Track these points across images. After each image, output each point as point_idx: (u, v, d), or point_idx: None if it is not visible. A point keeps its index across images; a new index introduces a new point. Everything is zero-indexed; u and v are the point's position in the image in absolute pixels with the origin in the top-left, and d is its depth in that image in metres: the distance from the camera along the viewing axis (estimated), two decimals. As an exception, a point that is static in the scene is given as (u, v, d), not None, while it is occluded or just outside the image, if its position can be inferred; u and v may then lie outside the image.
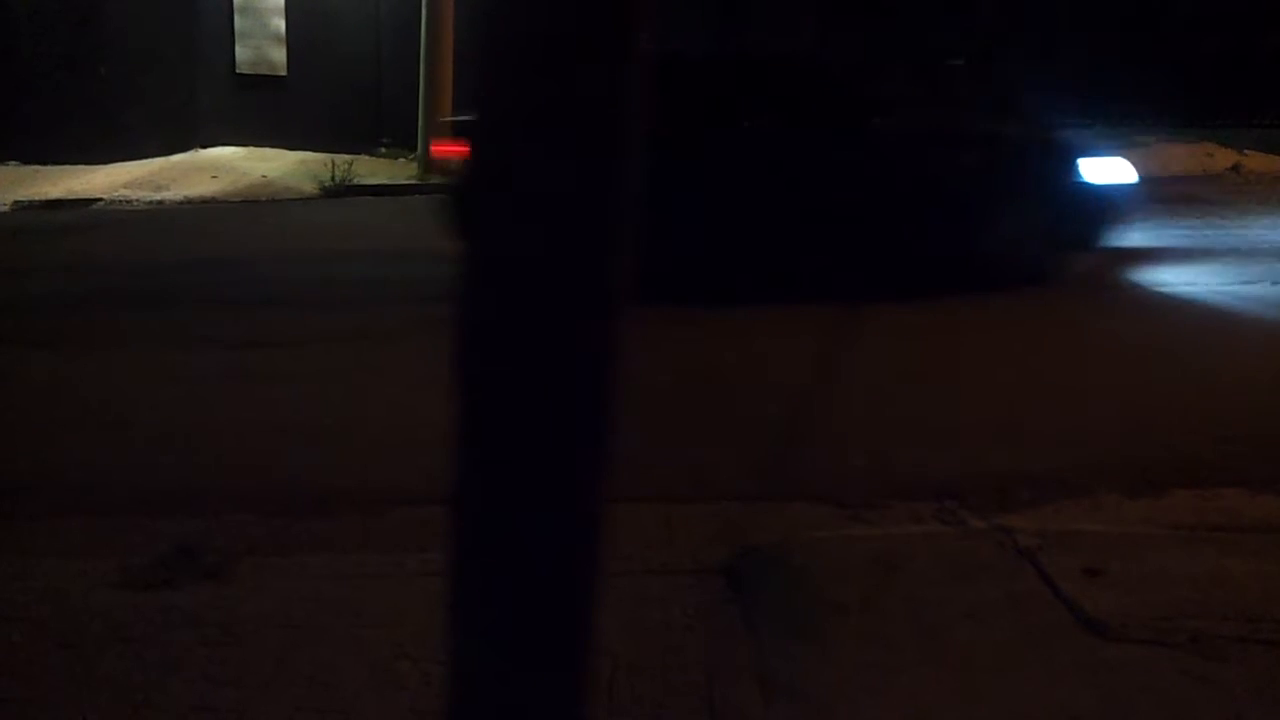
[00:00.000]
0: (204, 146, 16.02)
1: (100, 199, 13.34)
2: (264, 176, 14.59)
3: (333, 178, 13.99)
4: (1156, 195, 11.32)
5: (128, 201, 13.33)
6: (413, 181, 14.49)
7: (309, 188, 14.02)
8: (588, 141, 1.27)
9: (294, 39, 16.89)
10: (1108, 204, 7.46)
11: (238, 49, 16.70)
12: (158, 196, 13.51)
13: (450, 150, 7.38)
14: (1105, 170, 7.51)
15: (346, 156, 14.68)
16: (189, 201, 13.36)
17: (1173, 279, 7.44)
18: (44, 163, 15.07)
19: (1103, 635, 2.67)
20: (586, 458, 1.34)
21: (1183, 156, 14.37)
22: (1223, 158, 14.24)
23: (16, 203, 13.12)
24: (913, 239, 7.21)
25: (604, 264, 1.30)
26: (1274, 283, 7.17)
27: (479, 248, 1.31)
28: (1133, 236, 8.37)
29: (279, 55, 16.93)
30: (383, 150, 16.57)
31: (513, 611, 1.36)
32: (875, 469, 4.05)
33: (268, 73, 16.86)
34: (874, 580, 2.98)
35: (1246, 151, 14.31)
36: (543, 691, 1.37)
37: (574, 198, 1.27)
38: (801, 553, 3.20)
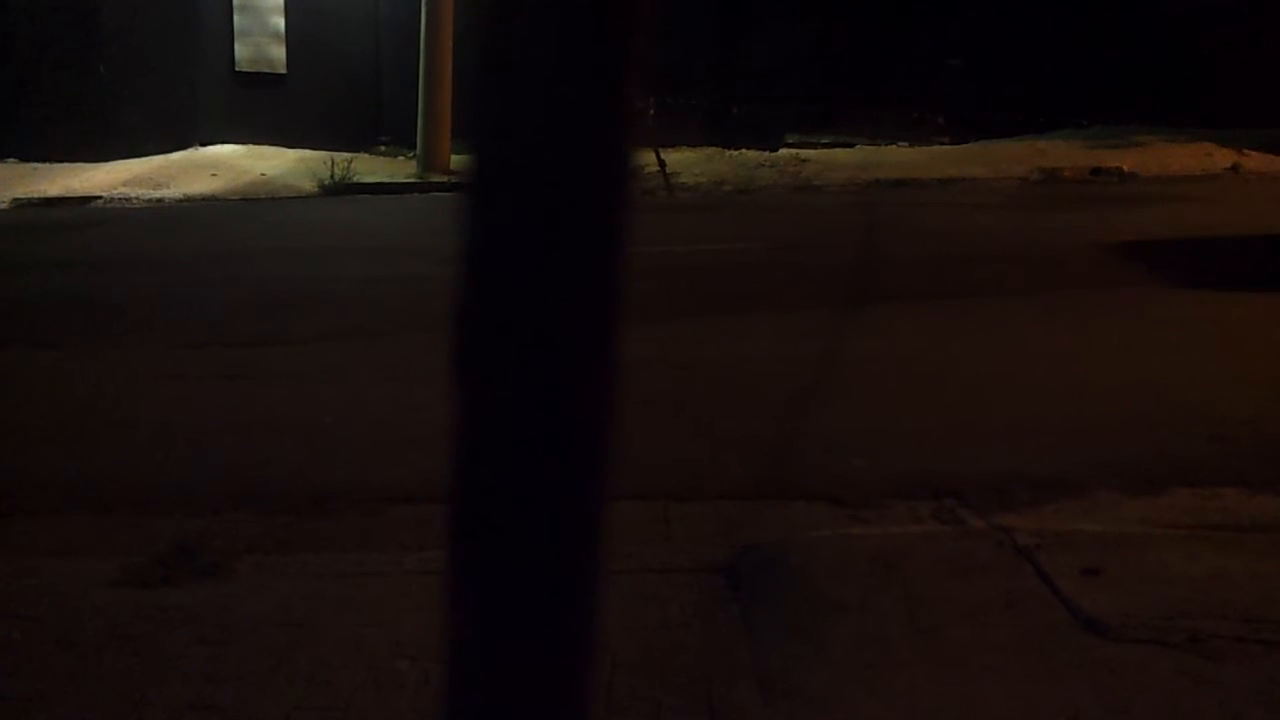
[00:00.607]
0: (203, 144, 16.01)
1: (99, 197, 13.33)
2: (263, 174, 14.59)
3: (332, 176, 13.99)
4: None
5: (127, 199, 13.33)
6: (412, 180, 14.49)
7: (308, 186, 14.02)
8: (591, 139, 1.27)
9: (293, 37, 16.88)
10: None
11: (237, 47, 16.70)
12: (157, 194, 13.50)
13: None
14: None
15: (346, 154, 14.67)
16: (188, 199, 13.35)
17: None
18: (43, 160, 15.05)
19: (1101, 635, 2.67)
20: (588, 455, 1.34)
21: (1182, 156, 14.39)
22: (1221, 157, 14.25)
23: (15, 200, 13.11)
24: None
25: (607, 262, 1.30)
26: None
27: (481, 245, 1.31)
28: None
29: (278, 53, 16.92)
30: (382, 148, 16.56)
31: (513, 610, 1.35)
32: (874, 468, 4.05)
33: (267, 70, 16.85)
34: (873, 579, 2.98)
35: (1245, 151, 14.32)
36: (544, 691, 1.37)
37: (578, 196, 1.27)
38: (800, 552, 3.20)
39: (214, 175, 14.44)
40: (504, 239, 1.30)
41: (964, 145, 16.23)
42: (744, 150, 15.92)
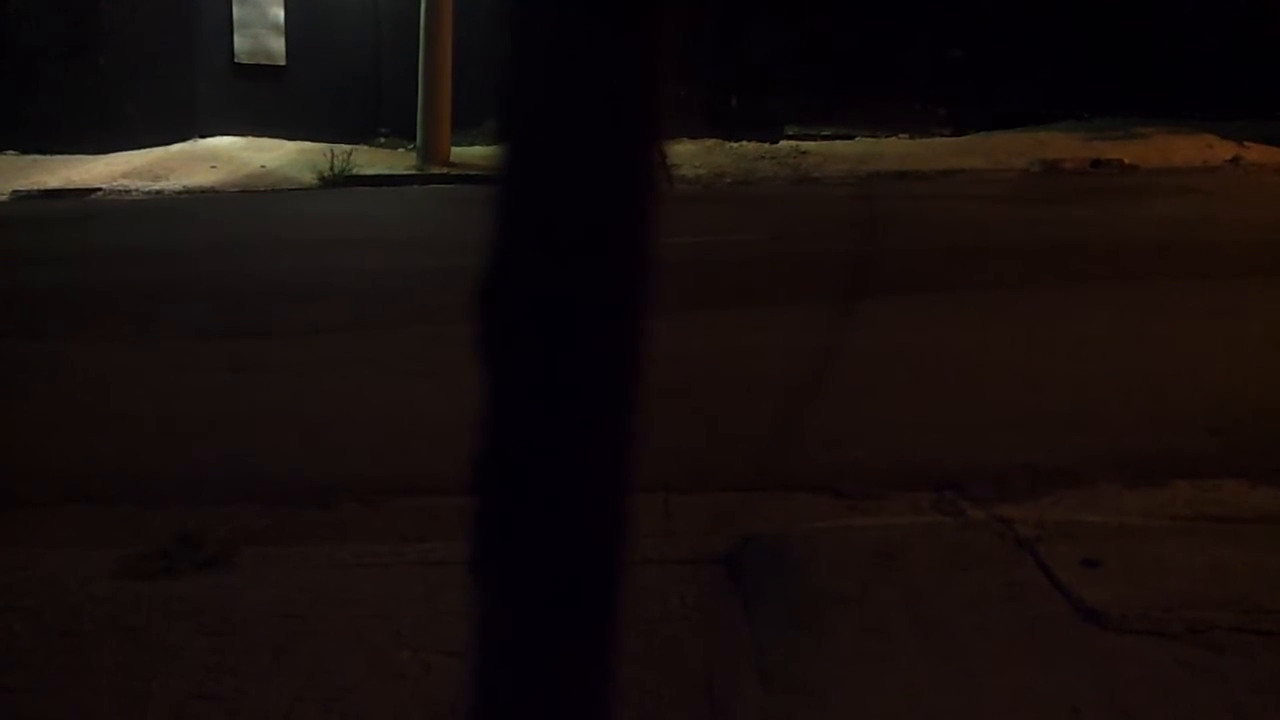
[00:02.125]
0: (203, 136, 16.00)
1: (99, 189, 13.32)
2: (263, 166, 14.57)
3: (332, 168, 13.98)
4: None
5: (126, 191, 13.31)
6: (412, 172, 14.47)
7: (308, 178, 14.00)
8: (616, 133, 1.25)
9: (292, 29, 16.85)
10: None
11: (236, 39, 16.67)
12: (156, 186, 13.49)
13: None
14: None
15: (345, 146, 14.66)
16: (188, 191, 13.35)
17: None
18: (43, 153, 15.05)
19: (1101, 626, 2.68)
20: (612, 448, 1.33)
21: (1183, 148, 14.38)
22: (1222, 149, 14.24)
23: (15, 193, 13.10)
24: None
25: (632, 255, 1.29)
26: None
27: (506, 239, 1.29)
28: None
29: (278, 45, 16.90)
30: (382, 140, 16.55)
31: (535, 604, 1.34)
32: (875, 460, 4.05)
33: (266, 62, 16.83)
34: (873, 571, 2.98)
35: (1246, 143, 14.31)
36: (565, 689, 1.36)
37: (602, 191, 1.26)
38: (801, 543, 3.20)
39: (213, 167, 14.43)
40: (531, 229, 1.29)
41: (965, 137, 16.21)
42: (744, 142, 15.91)
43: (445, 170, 14.25)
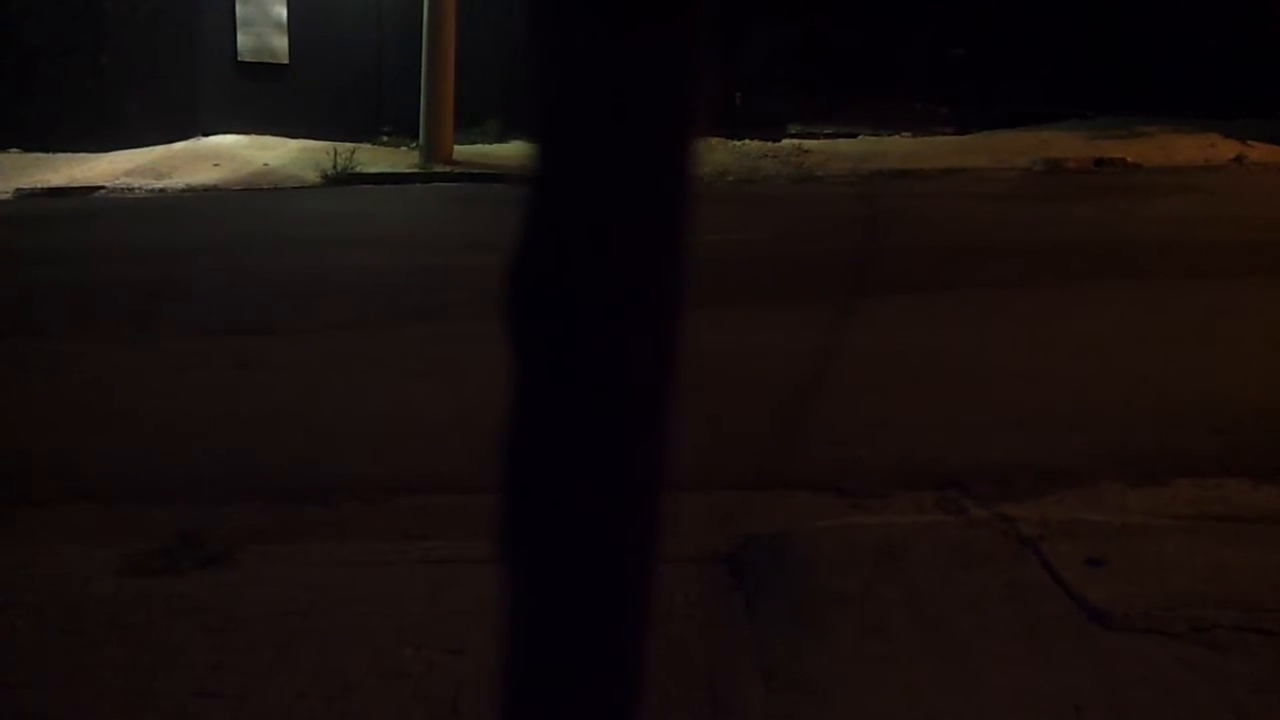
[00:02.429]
0: (206, 134, 16.01)
1: (102, 187, 13.34)
2: (266, 165, 14.59)
3: (334, 166, 13.98)
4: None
5: (129, 189, 13.33)
6: (415, 170, 14.48)
7: (311, 176, 14.01)
8: (646, 123, 1.23)
9: (295, 27, 16.87)
10: None
11: (239, 37, 16.69)
12: (159, 184, 13.50)
13: None
14: None
15: (348, 145, 14.67)
16: (191, 189, 13.36)
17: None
18: (46, 151, 15.07)
19: (1104, 625, 2.67)
20: (646, 446, 1.33)
21: (1186, 147, 14.37)
22: (1226, 148, 14.23)
23: (19, 191, 13.12)
24: None
25: (668, 251, 1.28)
26: None
27: (536, 238, 1.28)
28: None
29: (280, 43, 16.91)
30: (384, 138, 16.56)
31: (563, 605, 1.34)
32: (877, 458, 4.05)
33: (269, 60, 16.85)
34: (876, 569, 2.97)
35: (1250, 142, 14.30)
36: (591, 690, 1.36)
37: (633, 186, 1.24)
38: (803, 542, 3.20)
39: (216, 165, 14.44)
40: (563, 226, 1.27)
41: (967, 136, 16.21)
42: (747, 140, 15.91)
43: (448, 169, 14.26)
